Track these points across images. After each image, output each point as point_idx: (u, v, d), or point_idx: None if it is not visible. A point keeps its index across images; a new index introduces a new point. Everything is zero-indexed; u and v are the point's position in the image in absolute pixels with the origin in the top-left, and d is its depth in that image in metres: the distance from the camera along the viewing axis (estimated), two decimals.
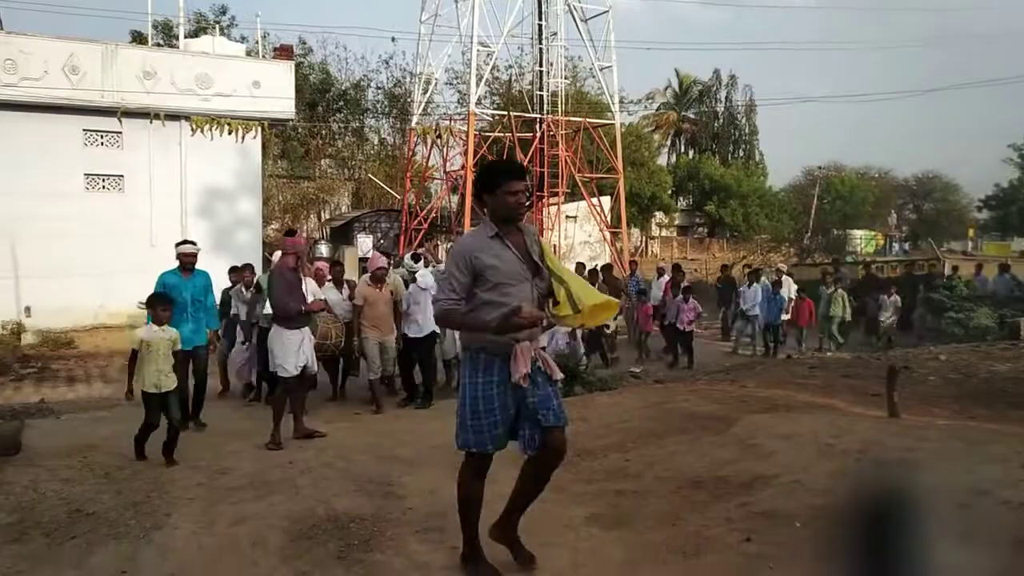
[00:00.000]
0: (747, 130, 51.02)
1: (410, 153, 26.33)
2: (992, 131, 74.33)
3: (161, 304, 6.10)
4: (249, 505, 4.85)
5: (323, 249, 11.28)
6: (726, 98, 50.48)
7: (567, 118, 23.10)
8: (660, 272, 15.85)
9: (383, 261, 8.45)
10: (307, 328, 6.97)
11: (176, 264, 7.37)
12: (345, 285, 9.06)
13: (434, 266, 10.49)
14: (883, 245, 42.75)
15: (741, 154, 50.19)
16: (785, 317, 14.25)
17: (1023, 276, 16.46)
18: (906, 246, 44.10)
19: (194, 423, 7.21)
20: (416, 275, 8.73)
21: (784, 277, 15.12)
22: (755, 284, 13.92)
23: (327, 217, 29.88)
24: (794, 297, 14.57)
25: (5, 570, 3.99)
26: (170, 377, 5.96)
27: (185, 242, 7.43)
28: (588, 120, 24.40)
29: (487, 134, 23.47)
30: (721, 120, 50.94)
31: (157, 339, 5.96)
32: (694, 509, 4.26)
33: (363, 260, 10.06)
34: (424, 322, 8.32)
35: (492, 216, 3.58)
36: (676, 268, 14.92)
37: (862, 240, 38.37)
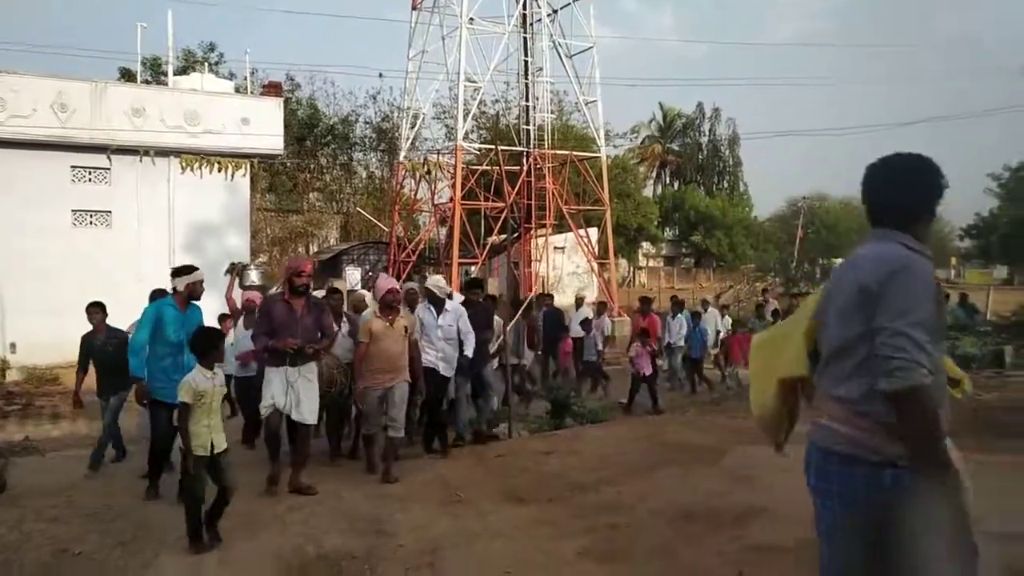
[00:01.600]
0: (731, 162, 51.72)
1: (398, 187, 26.47)
2: (971, 162, 75.63)
3: (213, 342, 4.93)
4: (238, 544, 4.79)
5: (253, 275, 9.67)
6: (710, 130, 51.27)
7: (553, 151, 23.34)
8: (579, 303, 13.82)
9: (393, 284, 6.73)
10: (303, 367, 5.90)
11: (171, 295, 6.18)
12: (344, 319, 7.47)
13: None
14: None
15: (725, 185, 50.79)
16: (713, 351, 13.37)
17: (1012, 302, 16.65)
18: None
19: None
20: (443, 303, 7.26)
21: (711, 310, 14.30)
22: (679, 315, 12.86)
23: (315, 250, 29.89)
24: (723, 331, 13.71)
25: (10, 539, 3.91)
26: (221, 434, 4.83)
27: (193, 268, 6.10)
28: (574, 153, 24.67)
29: (474, 167, 23.67)
30: (705, 152, 51.64)
31: (210, 388, 4.78)
32: (687, 542, 4.26)
33: (351, 292, 9.06)
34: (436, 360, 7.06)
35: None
36: (644, 300, 12.69)
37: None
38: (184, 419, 4.67)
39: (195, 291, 5.98)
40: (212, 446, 4.69)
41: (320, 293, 7.93)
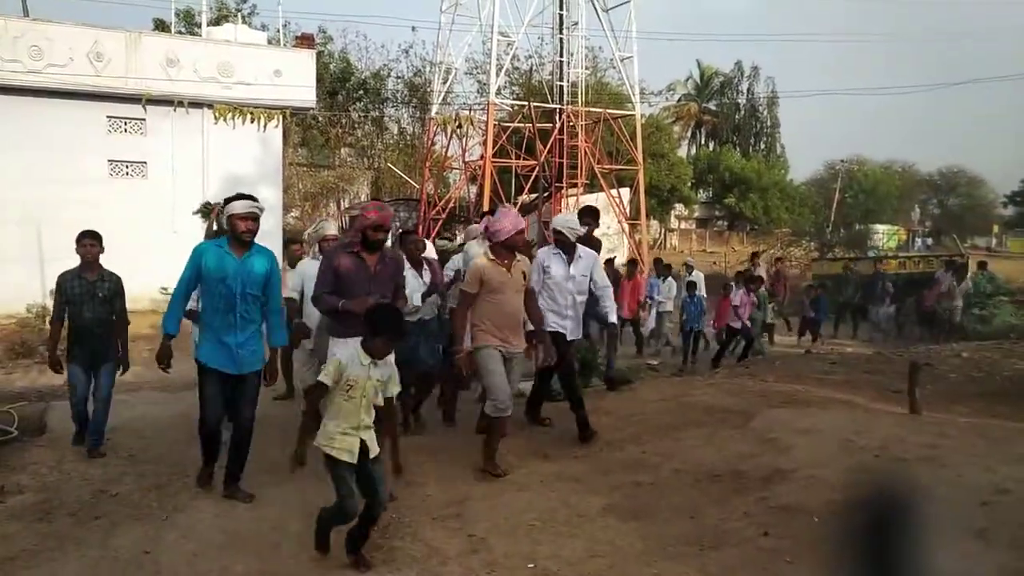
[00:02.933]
0: (768, 123, 50.57)
1: (429, 143, 26.34)
2: (1019, 126, 73.12)
3: (395, 325, 3.88)
4: (270, 490, 4.90)
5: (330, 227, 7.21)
6: (748, 90, 50.07)
7: (587, 109, 22.99)
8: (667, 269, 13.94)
9: (521, 223, 5.31)
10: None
11: (213, 236, 5.56)
12: (425, 265, 6.42)
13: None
14: (906, 240, 42.26)
15: (762, 147, 49.76)
16: (709, 330, 12.41)
17: None
18: (929, 241, 43.57)
19: (228, 488, 4.87)
20: (575, 248, 6.04)
21: (696, 273, 13.33)
22: (668, 279, 12.75)
23: (346, 206, 29.99)
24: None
25: (32, 548, 4.07)
26: (372, 436, 3.83)
27: (241, 197, 4.85)
28: (608, 111, 24.27)
29: (506, 124, 23.41)
30: (742, 112, 50.54)
31: (363, 378, 3.78)
32: (712, 502, 4.27)
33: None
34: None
35: None
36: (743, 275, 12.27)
37: (884, 235, 37.94)
38: (312, 402, 3.90)
39: (238, 230, 4.74)
40: (361, 450, 3.72)
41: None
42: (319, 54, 24.24)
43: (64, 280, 5.80)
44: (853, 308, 16.69)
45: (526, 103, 23.43)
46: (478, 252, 5.75)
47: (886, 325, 16.14)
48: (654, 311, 12.89)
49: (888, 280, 16.64)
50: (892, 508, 1.83)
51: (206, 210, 7.59)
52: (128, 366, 6.06)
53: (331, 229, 6.74)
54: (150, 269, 11.93)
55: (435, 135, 25.92)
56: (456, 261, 7.11)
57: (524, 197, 23.52)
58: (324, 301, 4.84)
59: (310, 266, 6.18)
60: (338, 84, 32.48)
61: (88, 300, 5.75)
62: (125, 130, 16.48)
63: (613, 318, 6.34)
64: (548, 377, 6.27)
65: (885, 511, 1.83)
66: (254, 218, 4.79)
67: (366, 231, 4.85)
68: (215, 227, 6.55)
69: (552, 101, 22.82)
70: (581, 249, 6.09)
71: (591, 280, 6.12)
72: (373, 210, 4.90)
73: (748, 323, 10.95)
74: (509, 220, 5.23)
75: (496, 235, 5.22)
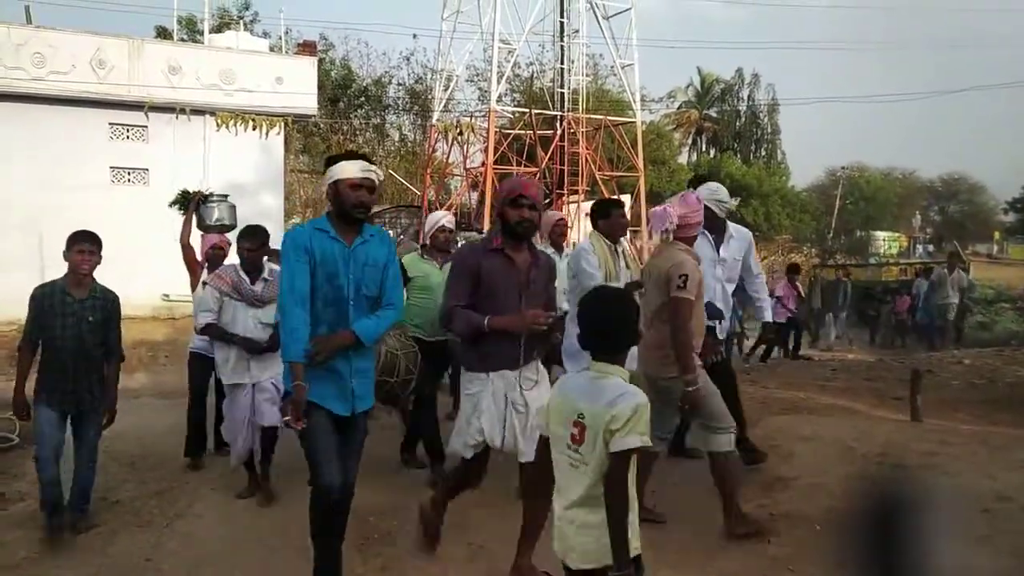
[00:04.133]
0: (769, 129, 50.63)
1: (430, 150, 26.39)
2: (1020, 132, 73.21)
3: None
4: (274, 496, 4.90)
5: (219, 209, 6.21)
6: (748, 97, 50.13)
7: (588, 116, 23.04)
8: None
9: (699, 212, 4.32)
10: (526, 366, 3.61)
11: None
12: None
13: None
14: (907, 247, 42.27)
15: (763, 153, 49.80)
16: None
17: None
18: (930, 248, 43.57)
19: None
20: (725, 228, 5.16)
21: None
22: None
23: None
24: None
25: (33, 556, 4.07)
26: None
27: (351, 156, 3.49)
28: (609, 118, 24.32)
29: (507, 131, 23.45)
30: (743, 119, 50.59)
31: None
32: (714, 510, 4.26)
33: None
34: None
35: None
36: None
37: (885, 242, 37.95)
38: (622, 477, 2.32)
39: (351, 206, 3.37)
40: None
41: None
42: (320, 61, 24.31)
43: (43, 296, 4.31)
44: (815, 314, 16.80)
45: (527, 110, 23.48)
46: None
47: (841, 332, 16.36)
48: None
49: (848, 287, 16.77)
50: (893, 515, 1.83)
51: (184, 199, 6.16)
52: (115, 415, 4.51)
53: None
54: (151, 276, 11.98)
55: (436, 142, 25.97)
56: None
57: None
58: (462, 319, 3.50)
59: None
60: (339, 91, 32.57)
61: (73, 325, 4.27)
62: (127, 137, 16.53)
63: (768, 315, 5.47)
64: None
65: (886, 518, 1.83)
66: (371, 187, 3.39)
67: (505, 212, 3.52)
68: (207, 220, 6.04)
69: (553, 108, 22.87)
70: (732, 227, 5.10)
71: (743, 266, 5.09)
72: (508, 183, 3.73)
73: (793, 311, 11.19)
74: (687, 205, 4.21)
75: (689, 220, 4.15)
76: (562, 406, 2.46)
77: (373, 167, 3.44)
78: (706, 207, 4.79)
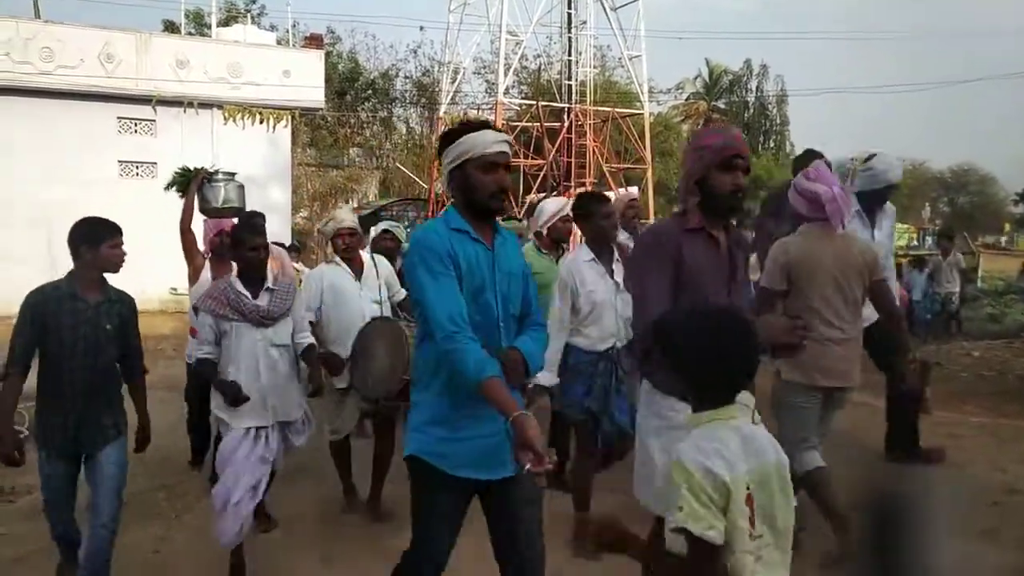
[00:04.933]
0: (778, 121, 50.38)
1: (438, 142, 26.39)
2: None
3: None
4: (278, 489, 4.91)
5: (225, 190, 5.22)
6: (757, 88, 49.90)
7: (595, 108, 22.98)
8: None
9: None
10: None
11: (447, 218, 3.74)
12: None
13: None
14: (916, 238, 42.02)
15: (772, 145, 49.57)
16: None
17: None
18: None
19: None
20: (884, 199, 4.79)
21: None
22: None
23: (354, 205, 30.07)
24: None
25: (42, 548, 4.09)
26: None
27: (485, 126, 2.63)
28: (616, 110, 24.23)
29: (515, 124, 23.41)
30: (751, 110, 50.35)
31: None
32: None
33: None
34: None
35: None
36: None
37: (896, 232, 37.73)
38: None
39: (478, 186, 2.55)
40: None
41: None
42: (328, 54, 24.29)
43: (44, 302, 3.31)
44: None
45: (534, 102, 23.43)
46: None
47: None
48: None
49: None
50: (901, 508, 1.82)
51: (184, 178, 5.19)
52: (149, 439, 3.67)
53: (348, 219, 4.78)
54: (159, 270, 12.00)
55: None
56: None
57: (532, 196, 23.51)
58: (648, 309, 2.58)
59: (330, 274, 4.64)
60: (347, 84, 32.55)
61: (85, 338, 3.32)
62: (135, 131, 16.58)
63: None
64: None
65: (894, 511, 1.82)
66: (508, 165, 2.59)
67: (712, 178, 2.61)
68: (212, 201, 4.98)
69: (560, 100, 22.81)
70: (890, 207, 4.75)
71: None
72: (713, 134, 2.72)
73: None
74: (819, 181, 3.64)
75: (825, 199, 3.55)
76: (723, 484, 1.71)
77: (504, 135, 2.59)
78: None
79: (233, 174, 5.32)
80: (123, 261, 3.49)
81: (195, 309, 4.40)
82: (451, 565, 2.66)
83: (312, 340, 4.09)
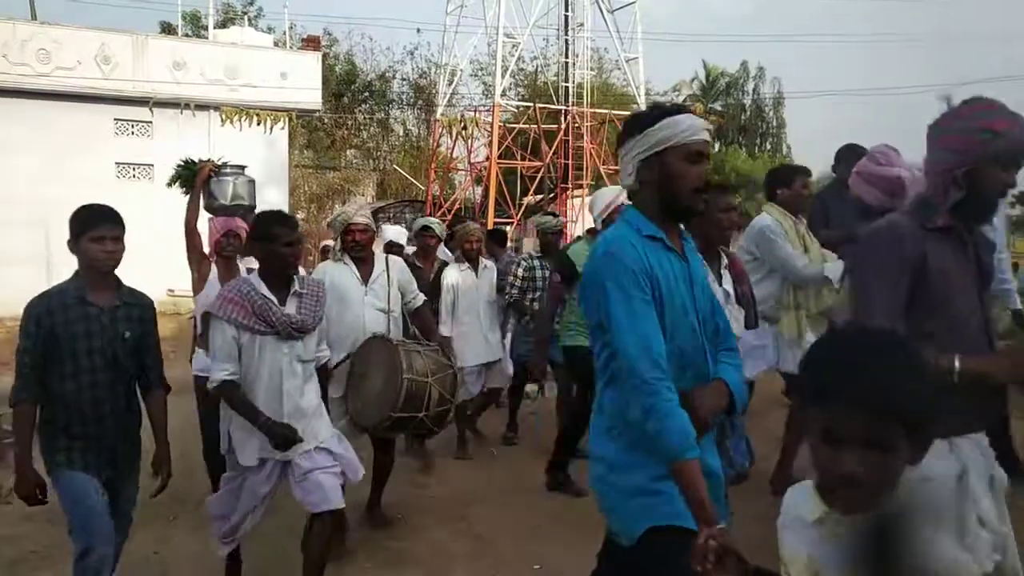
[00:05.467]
0: (775, 123, 50.50)
1: (435, 144, 26.38)
2: None
3: None
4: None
5: (234, 184, 4.53)
6: (754, 90, 50.02)
7: (593, 110, 23.00)
8: None
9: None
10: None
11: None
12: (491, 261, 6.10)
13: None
14: None
15: (768, 147, 49.68)
16: None
17: None
18: None
19: None
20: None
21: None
22: None
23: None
24: None
25: (41, 550, 4.08)
26: None
27: (681, 110, 2.16)
28: (614, 112, 24.28)
29: (512, 125, 23.43)
30: (748, 113, 50.46)
31: None
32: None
33: (390, 247, 5.83)
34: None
35: None
36: None
37: None
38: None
39: (680, 180, 2.12)
40: None
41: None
42: (325, 56, 24.30)
43: (48, 311, 2.82)
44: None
45: (531, 104, 23.45)
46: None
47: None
48: None
49: None
50: (898, 509, 1.82)
51: (188, 171, 4.70)
52: (170, 474, 3.18)
53: (360, 214, 4.18)
54: (156, 271, 11.99)
55: (440, 136, 25.96)
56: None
57: (529, 198, 23.55)
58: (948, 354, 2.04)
59: (334, 272, 4.14)
60: (344, 86, 32.58)
61: (103, 348, 2.87)
62: (132, 133, 16.58)
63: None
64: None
65: (891, 511, 1.83)
66: (708, 155, 2.15)
67: (982, 171, 2.08)
68: (220, 198, 4.46)
69: (557, 102, 22.84)
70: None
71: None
72: (1003, 117, 2.06)
73: None
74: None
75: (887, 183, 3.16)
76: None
77: (704, 121, 2.14)
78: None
79: (242, 167, 4.90)
80: (112, 259, 2.86)
81: (205, 317, 3.72)
82: None
83: (328, 354, 3.56)
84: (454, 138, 25.52)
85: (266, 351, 3.13)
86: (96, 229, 2.86)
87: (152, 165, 16.49)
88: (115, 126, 16.39)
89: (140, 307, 3.01)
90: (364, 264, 4.13)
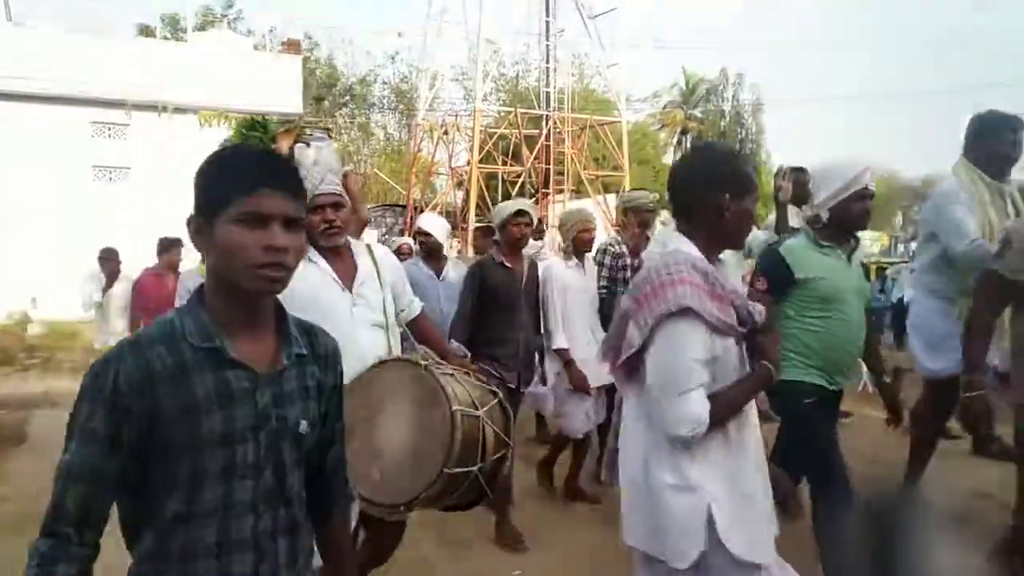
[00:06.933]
0: (753, 129, 50.98)
1: (416, 149, 26.33)
2: None
3: None
4: None
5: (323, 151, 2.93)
6: (733, 97, 50.46)
7: (573, 115, 23.09)
8: None
9: None
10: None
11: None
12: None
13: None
14: (888, 246, 42.67)
15: (747, 153, 50.13)
16: None
17: None
18: (912, 247, 44.02)
19: None
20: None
21: None
22: None
23: None
24: None
25: (10, 561, 4.00)
26: None
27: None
28: (594, 118, 24.37)
29: (493, 130, 23.45)
30: (727, 119, 50.89)
31: None
32: None
33: (424, 239, 5.11)
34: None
35: None
36: None
37: (868, 240, 38.31)
38: None
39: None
40: None
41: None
42: (305, 60, 24.20)
43: (145, 372, 1.31)
44: None
45: (513, 109, 23.49)
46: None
47: None
48: None
49: None
50: (884, 515, 1.83)
51: (257, 137, 3.88)
52: None
53: (328, 179, 2.75)
54: (132, 275, 11.87)
55: (421, 141, 25.93)
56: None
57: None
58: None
59: (303, 276, 2.43)
60: (324, 90, 32.44)
61: (256, 447, 1.39)
62: (109, 135, 16.40)
63: None
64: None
65: (878, 518, 1.84)
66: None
67: None
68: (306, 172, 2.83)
69: (538, 107, 22.90)
70: None
71: None
72: None
73: None
74: None
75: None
76: None
77: None
78: None
79: (327, 131, 3.68)
80: (290, 262, 1.40)
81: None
82: None
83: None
84: (435, 142, 25.51)
85: None
86: (255, 195, 1.34)
87: (128, 168, 16.32)
88: (92, 128, 16.20)
89: (321, 360, 1.52)
90: (340, 259, 2.72)
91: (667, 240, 1.97)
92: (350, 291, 2.69)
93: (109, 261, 7.19)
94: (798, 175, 4.11)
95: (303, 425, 1.44)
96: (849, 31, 78.57)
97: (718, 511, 1.83)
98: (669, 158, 47.11)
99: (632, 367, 1.92)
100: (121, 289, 7.03)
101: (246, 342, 1.38)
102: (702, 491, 1.83)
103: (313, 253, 2.66)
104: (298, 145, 3.33)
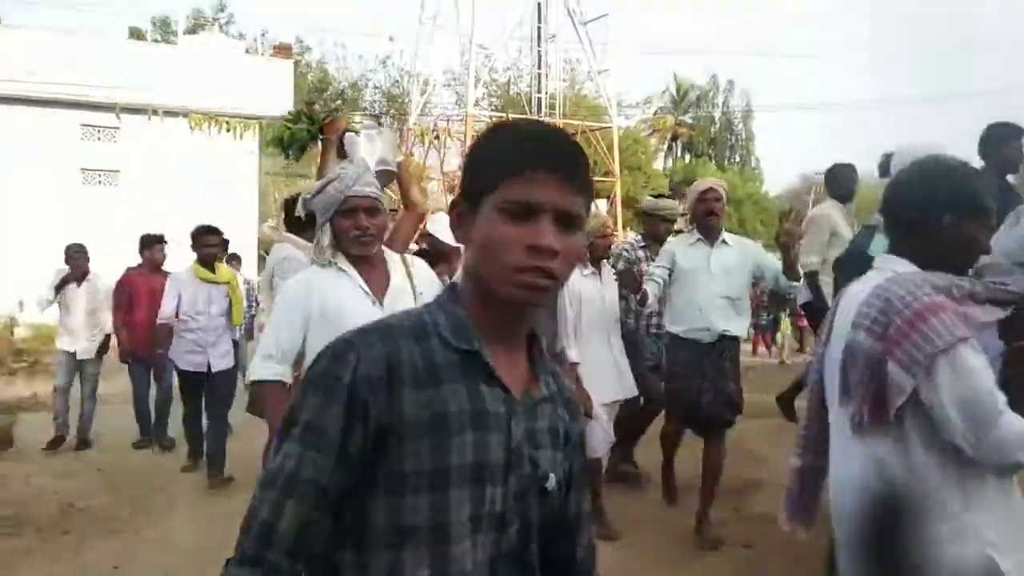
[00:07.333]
0: (744, 135, 51.26)
1: (407, 153, 26.35)
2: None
3: None
4: (240, 495, 4.85)
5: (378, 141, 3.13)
6: (723, 103, 50.74)
7: (565, 121, 23.16)
8: None
9: None
10: None
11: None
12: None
13: None
14: None
15: (737, 159, 50.39)
16: None
17: None
18: None
19: None
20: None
21: None
22: None
23: None
24: None
25: (1, 563, 3.98)
26: None
27: None
28: (585, 123, 24.46)
29: None
30: (718, 125, 51.16)
31: None
32: (689, 514, 4.28)
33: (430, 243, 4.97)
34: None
35: None
36: None
37: None
38: None
39: None
40: None
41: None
42: (296, 63, 24.19)
43: (388, 368, 1.00)
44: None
45: (504, 115, 23.55)
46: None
47: None
48: None
49: None
50: (871, 517, 1.85)
51: (305, 130, 3.66)
52: None
53: (366, 180, 2.53)
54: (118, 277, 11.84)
55: (413, 146, 25.93)
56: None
57: None
58: None
59: (323, 283, 2.55)
60: (316, 94, 32.39)
61: (518, 490, 1.05)
62: (99, 138, 16.34)
63: None
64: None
65: (862, 520, 1.85)
66: None
67: None
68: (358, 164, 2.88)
69: (530, 113, 22.96)
70: None
71: None
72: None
73: None
74: None
75: None
76: None
77: None
78: None
79: (379, 118, 3.31)
80: (574, 257, 1.10)
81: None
82: None
83: None
84: (426, 147, 25.52)
85: None
86: (523, 179, 1.02)
87: (118, 171, 16.26)
88: (81, 131, 16.14)
89: (568, 404, 1.19)
90: (371, 269, 2.55)
91: (886, 263, 1.80)
92: (381, 304, 2.47)
93: (77, 258, 6.51)
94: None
95: (551, 480, 1.08)
96: (844, 38, 79.17)
97: (1001, 560, 1.59)
98: (660, 164, 47.32)
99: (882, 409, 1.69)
100: (86, 290, 6.45)
101: (500, 357, 1.06)
102: (979, 538, 1.62)
103: (343, 261, 2.50)
104: (347, 135, 3.22)
